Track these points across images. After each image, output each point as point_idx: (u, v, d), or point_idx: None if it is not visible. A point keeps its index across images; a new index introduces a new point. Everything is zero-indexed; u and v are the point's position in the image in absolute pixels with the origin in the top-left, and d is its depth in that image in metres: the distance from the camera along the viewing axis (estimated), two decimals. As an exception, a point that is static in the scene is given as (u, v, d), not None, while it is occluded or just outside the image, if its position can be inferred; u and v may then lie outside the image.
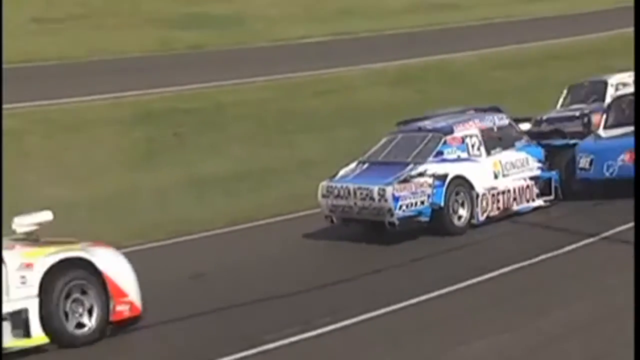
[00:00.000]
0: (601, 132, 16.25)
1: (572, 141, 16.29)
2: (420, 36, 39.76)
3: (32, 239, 10.24)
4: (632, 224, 12.10)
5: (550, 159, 15.85)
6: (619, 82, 20.56)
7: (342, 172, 14.84)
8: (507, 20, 45.12)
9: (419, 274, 12.09)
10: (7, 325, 9.32)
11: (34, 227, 10.36)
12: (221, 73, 29.35)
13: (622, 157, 14.97)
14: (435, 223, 13.89)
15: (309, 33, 37.65)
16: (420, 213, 13.79)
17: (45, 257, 9.58)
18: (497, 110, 16.12)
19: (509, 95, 27.60)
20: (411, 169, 14.02)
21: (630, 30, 41.91)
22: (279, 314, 10.57)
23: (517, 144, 15.53)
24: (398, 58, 33.35)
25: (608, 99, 19.20)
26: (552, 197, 15.56)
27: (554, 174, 15.67)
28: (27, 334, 9.42)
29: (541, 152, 15.78)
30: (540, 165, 15.63)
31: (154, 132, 23.40)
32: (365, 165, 14.86)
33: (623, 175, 14.76)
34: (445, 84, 30.28)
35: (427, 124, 15.52)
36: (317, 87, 28.73)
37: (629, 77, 20.05)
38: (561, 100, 21.69)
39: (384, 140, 15.49)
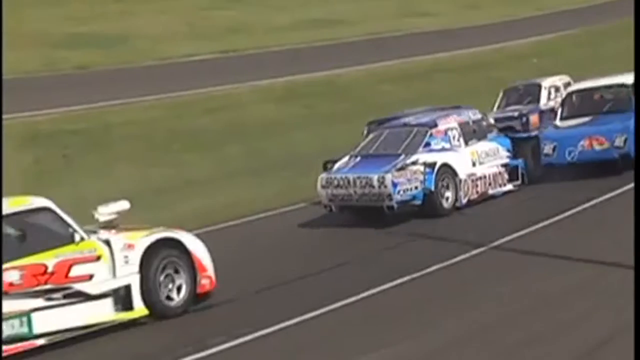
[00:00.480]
0: (558, 123, 18.31)
1: (534, 133, 18.50)
2: (307, 52, 40.04)
3: (111, 226, 11.48)
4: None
5: (515, 148, 17.63)
6: (551, 85, 22.64)
7: (337, 166, 16.34)
8: (393, 35, 45.67)
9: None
10: (109, 302, 10.71)
11: (114, 216, 11.70)
12: (108, 93, 29.13)
13: (582, 143, 17.18)
14: (427, 206, 15.57)
15: (195, 51, 37.61)
16: (414, 197, 15.48)
17: (144, 238, 11.03)
18: (459, 108, 17.99)
19: (396, 109, 27.99)
20: (404, 159, 15.72)
21: (512, 44, 43.22)
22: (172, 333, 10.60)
23: (489, 135, 17.40)
24: (285, 74, 33.56)
25: (543, 100, 21.77)
26: (519, 182, 17.32)
27: (520, 161, 17.46)
28: (130, 307, 10.82)
29: (509, 142, 17.58)
30: (508, 154, 17.41)
31: (42, 153, 23.12)
32: (358, 159, 16.37)
33: (583, 159, 17.16)
34: (332, 99, 30.57)
35: (411, 119, 17.40)
36: (205, 105, 28.73)
37: (559, 80, 22.70)
38: (497, 102, 22.98)
39: (370, 136, 17.16)
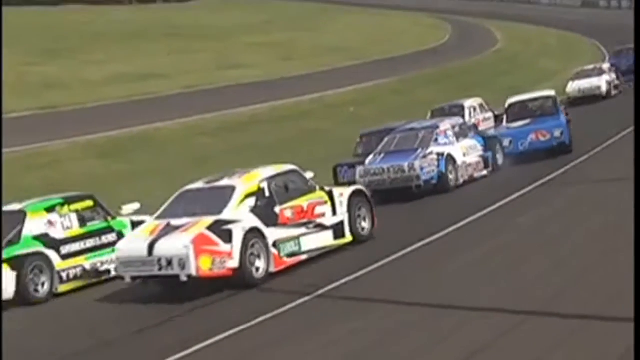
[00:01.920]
0: (507, 125, 25.21)
1: (496, 133, 24.96)
2: (125, 107, 39.97)
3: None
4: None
5: (487, 144, 23.35)
6: (471, 105, 29.57)
7: (367, 161, 21.89)
8: (210, 88, 46.09)
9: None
10: (331, 232, 15.74)
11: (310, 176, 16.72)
12: None
13: (530, 136, 24.10)
14: (440, 184, 21.20)
15: (12, 108, 37.07)
16: (432, 178, 21.14)
17: (348, 189, 16.64)
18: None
19: (214, 161, 28.42)
20: (423, 151, 21.48)
21: (330, 93, 44.30)
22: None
23: (470, 134, 23.35)
24: (105, 130, 33.45)
25: (467, 117, 27.90)
26: (490, 169, 22.94)
27: (490, 154, 23.17)
28: (343, 236, 15.95)
29: (482, 140, 23.41)
30: (482, 148, 23.08)
31: None
32: (383, 155, 21.98)
33: (531, 149, 23.95)
34: (152, 153, 30.68)
35: (416, 125, 23.44)
36: (25, 163, 28.40)
37: (474, 101, 30.02)
38: (429, 117, 27.78)
39: (386, 139, 22.64)
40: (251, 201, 14.68)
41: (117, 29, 69.52)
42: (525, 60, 61.78)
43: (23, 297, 15.35)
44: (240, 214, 14.40)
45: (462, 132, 22.96)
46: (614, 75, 39.40)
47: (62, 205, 16.59)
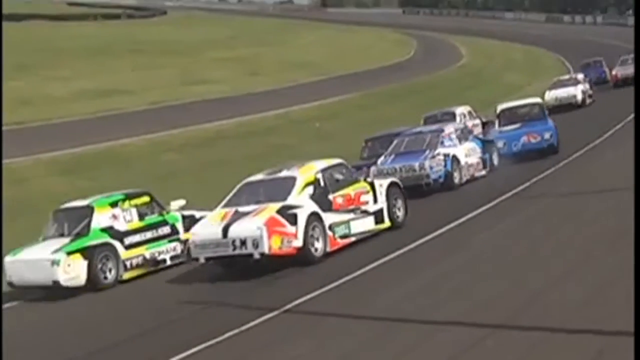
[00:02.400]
0: (500, 129, 27.23)
1: (491, 137, 26.78)
2: (90, 123, 39.80)
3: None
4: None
5: (484, 147, 25.09)
6: (462, 113, 31.23)
7: (379, 162, 23.48)
8: (176, 104, 45.98)
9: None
10: (372, 218, 17.67)
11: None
12: None
13: (523, 138, 26.27)
14: (446, 182, 22.92)
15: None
16: (440, 176, 22.88)
17: (386, 180, 18.69)
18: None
19: (179, 178, 28.35)
20: (431, 152, 23.27)
21: (295, 108, 44.32)
22: None
23: (470, 137, 25.15)
24: (69, 146, 33.27)
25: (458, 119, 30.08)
26: (488, 169, 24.72)
27: (487, 155, 24.92)
28: (382, 221, 17.94)
29: (481, 143, 25.27)
30: (481, 150, 24.83)
31: None
32: (393, 156, 23.73)
33: (523, 150, 26.01)
34: (117, 170, 30.51)
35: (422, 129, 25.92)
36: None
37: (464, 109, 31.87)
38: (421, 124, 29.62)
39: (395, 142, 24.55)
40: (310, 189, 16.82)
41: (82, 44, 69.38)
42: (490, 75, 62.16)
43: (93, 283, 17.13)
44: (302, 201, 16.50)
45: (463, 136, 24.81)
46: (587, 85, 41.76)
47: (124, 200, 18.43)
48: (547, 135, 26.18)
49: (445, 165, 22.99)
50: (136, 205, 18.50)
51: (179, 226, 18.70)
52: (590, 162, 23.79)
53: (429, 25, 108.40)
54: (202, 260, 16.12)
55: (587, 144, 26.29)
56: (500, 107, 28.70)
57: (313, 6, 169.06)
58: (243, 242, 15.63)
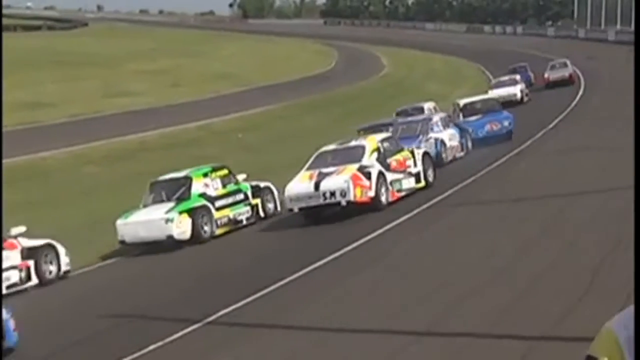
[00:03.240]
0: (464, 120, 32.19)
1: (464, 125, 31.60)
2: (9, 136, 38.55)
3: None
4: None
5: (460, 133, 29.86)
6: (429, 107, 36.13)
7: None
8: (98, 115, 45.66)
9: None
10: (414, 178, 22.41)
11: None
12: None
13: (486, 127, 31.52)
14: (437, 161, 25.64)
15: None
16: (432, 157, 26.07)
17: (420, 150, 23.60)
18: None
19: (99, 192, 28.16)
20: (424, 137, 27.45)
21: (217, 120, 44.27)
22: None
23: (450, 125, 29.65)
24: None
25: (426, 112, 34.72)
26: (465, 151, 29.51)
27: (464, 140, 29.65)
28: (419, 181, 22.50)
29: (458, 129, 29.81)
30: (459, 135, 29.40)
31: None
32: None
33: (488, 135, 31.03)
34: (37, 183, 30.20)
35: (414, 118, 30.99)
36: None
37: (430, 104, 37.05)
38: (394, 116, 34.11)
39: (390, 129, 27.89)
40: (375, 155, 21.70)
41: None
42: (411, 85, 62.65)
43: (196, 237, 20.93)
44: (371, 162, 21.36)
45: (446, 124, 29.37)
46: (524, 85, 48.01)
47: (212, 172, 22.66)
48: (506, 123, 31.51)
49: (436, 147, 27.28)
50: (220, 176, 22.61)
51: (249, 194, 22.82)
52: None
53: (350, 35, 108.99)
54: (295, 210, 20.72)
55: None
56: (462, 101, 34.87)
57: (234, 17, 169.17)
58: (332, 193, 20.30)
